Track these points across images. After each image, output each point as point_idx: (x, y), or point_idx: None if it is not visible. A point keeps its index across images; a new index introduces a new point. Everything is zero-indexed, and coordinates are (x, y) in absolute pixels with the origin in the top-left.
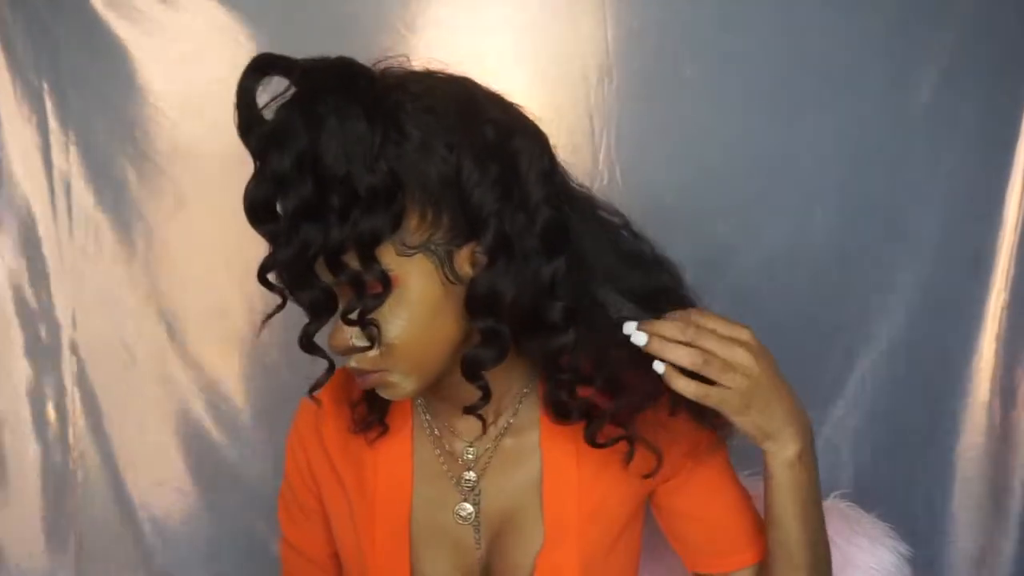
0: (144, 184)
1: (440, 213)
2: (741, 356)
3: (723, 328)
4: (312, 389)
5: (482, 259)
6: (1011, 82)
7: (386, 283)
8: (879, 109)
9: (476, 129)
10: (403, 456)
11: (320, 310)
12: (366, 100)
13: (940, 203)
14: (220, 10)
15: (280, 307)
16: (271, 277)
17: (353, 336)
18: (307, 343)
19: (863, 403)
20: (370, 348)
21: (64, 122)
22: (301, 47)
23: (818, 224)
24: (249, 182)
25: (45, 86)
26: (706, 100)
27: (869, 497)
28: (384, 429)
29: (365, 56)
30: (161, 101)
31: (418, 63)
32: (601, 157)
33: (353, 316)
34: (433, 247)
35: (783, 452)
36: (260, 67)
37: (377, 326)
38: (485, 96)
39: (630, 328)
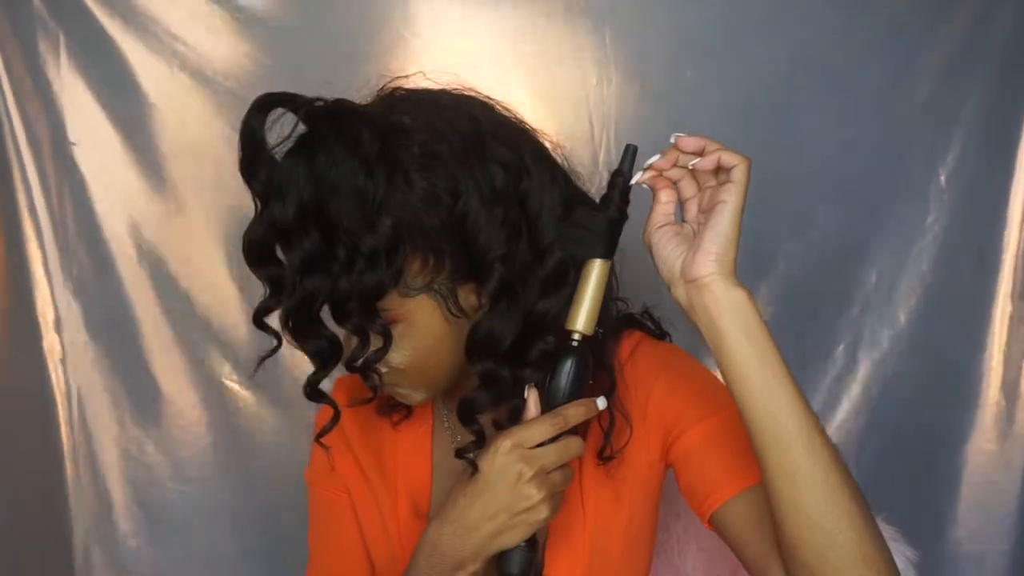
0: (144, 184)
1: (443, 258)
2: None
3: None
4: (318, 436)
5: (484, 301)
6: (1012, 82)
7: (387, 337)
8: (879, 109)
9: (483, 173)
10: (423, 442)
11: (326, 358)
12: (369, 152)
13: (942, 203)
14: (219, 9)
15: (276, 349)
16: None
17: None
18: (313, 392)
19: (866, 404)
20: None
21: (65, 122)
22: (302, 47)
23: (818, 224)
24: (250, 225)
25: (46, 86)
26: (706, 101)
27: (874, 500)
28: (408, 412)
29: (367, 63)
30: (162, 101)
31: (428, 79)
32: (601, 157)
33: (357, 365)
34: (436, 287)
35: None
36: (263, 106)
37: (379, 375)
38: (495, 128)
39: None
